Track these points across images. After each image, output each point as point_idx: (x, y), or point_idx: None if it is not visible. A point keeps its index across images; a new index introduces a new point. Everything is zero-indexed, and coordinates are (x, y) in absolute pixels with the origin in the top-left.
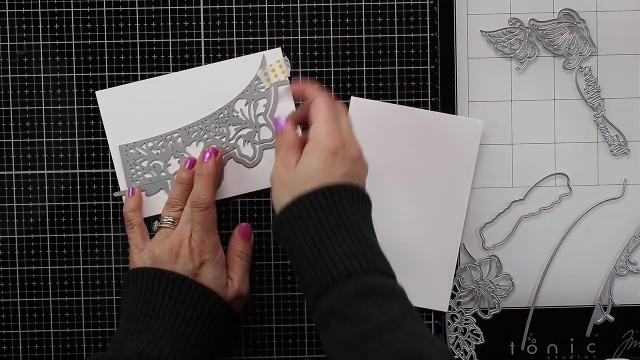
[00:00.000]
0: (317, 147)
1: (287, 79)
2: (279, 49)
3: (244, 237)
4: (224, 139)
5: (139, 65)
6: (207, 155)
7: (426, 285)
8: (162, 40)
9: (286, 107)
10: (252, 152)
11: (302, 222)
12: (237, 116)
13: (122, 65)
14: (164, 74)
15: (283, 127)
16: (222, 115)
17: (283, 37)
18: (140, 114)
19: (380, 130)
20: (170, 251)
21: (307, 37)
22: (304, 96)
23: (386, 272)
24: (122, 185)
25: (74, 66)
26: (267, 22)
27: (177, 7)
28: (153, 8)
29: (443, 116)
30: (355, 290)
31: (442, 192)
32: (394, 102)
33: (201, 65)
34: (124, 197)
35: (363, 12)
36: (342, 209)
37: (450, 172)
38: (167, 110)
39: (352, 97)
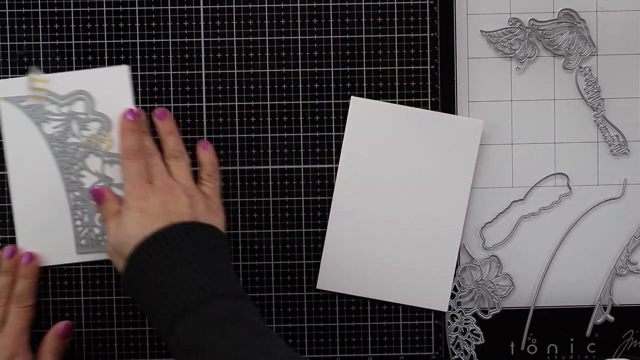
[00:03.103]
0: (125, 206)
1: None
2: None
3: (61, 336)
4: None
5: (139, 65)
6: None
7: (426, 285)
8: (162, 40)
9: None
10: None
11: (140, 276)
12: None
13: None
14: (164, 73)
15: (104, 196)
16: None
17: (283, 37)
18: None
19: (380, 131)
20: None
21: (307, 37)
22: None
23: (224, 294)
24: None
25: (74, 66)
26: (267, 22)
27: (177, 7)
28: (153, 8)
29: (443, 116)
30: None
31: (441, 192)
32: (394, 102)
33: (201, 64)
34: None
35: (363, 12)
36: (159, 255)
37: (450, 172)
38: None
39: (352, 97)
